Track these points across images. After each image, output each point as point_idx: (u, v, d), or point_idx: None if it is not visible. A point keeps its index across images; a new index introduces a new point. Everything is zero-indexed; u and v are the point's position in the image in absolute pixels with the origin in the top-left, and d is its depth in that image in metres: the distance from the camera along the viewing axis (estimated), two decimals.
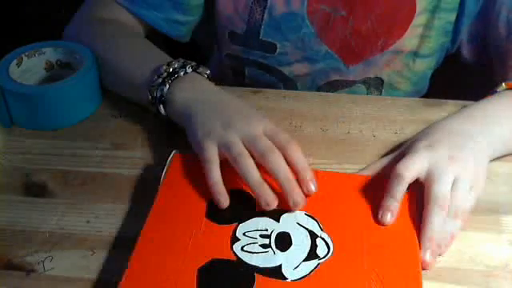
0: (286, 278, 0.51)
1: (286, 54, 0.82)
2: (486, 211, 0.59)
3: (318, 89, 0.86)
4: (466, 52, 0.82)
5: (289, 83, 0.86)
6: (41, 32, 0.86)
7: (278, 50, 0.81)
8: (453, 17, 0.78)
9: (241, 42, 0.83)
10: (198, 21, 0.84)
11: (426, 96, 0.90)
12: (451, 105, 0.75)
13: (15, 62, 0.72)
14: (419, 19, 0.78)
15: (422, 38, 0.80)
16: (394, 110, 0.75)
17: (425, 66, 0.84)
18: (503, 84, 0.67)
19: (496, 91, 0.68)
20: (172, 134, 0.70)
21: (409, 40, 0.80)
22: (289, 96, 0.78)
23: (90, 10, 0.81)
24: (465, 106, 0.68)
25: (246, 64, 0.86)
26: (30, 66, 0.74)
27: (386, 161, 0.63)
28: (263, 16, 0.79)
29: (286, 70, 0.84)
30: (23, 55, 0.74)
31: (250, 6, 0.79)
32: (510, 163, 0.66)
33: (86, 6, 0.81)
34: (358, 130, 0.72)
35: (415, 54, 0.81)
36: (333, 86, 0.85)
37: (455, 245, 0.56)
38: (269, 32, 0.80)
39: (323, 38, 0.80)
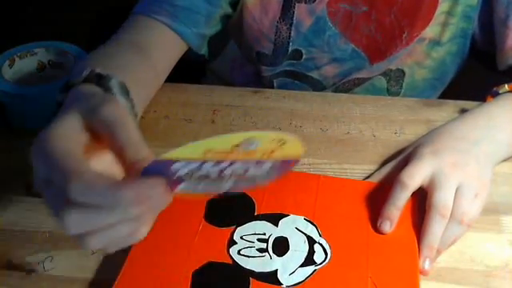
0: (281, 284, 0.50)
1: (313, 58, 0.81)
2: (485, 211, 0.59)
3: (342, 88, 0.84)
4: (478, 39, 0.80)
5: (318, 86, 0.84)
6: (41, 32, 0.85)
7: (303, 56, 0.81)
8: (473, 0, 0.76)
9: (269, 62, 0.82)
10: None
11: (449, 87, 0.88)
12: (451, 105, 0.75)
13: (7, 62, 0.72)
14: (442, 7, 0.76)
15: (443, 26, 0.78)
16: (394, 110, 0.75)
17: (444, 51, 0.81)
18: (506, 86, 0.66)
19: (498, 92, 0.67)
20: (172, 134, 0.70)
21: (431, 28, 0.78)
22: (289, 96, 0.78)
23: (124, 31, 0.71)
24: (465, 110, 0.67)
25: (274, 77, 0.85)
26: (22, 67, 0.74)
27: (389, 168, 0.63)
28: (290, 33, 0.78)
29: (314, 74, 0.83)
30: (15, 56, 0.74)
31: (276, 25, 0.78)
32: (510, 163, 0.66)
33: (122, 29, 0.71)
34: (358, 130, 0.72)
35: (437, 43, 0.79)
36: (355, 84, 0.84)
37: (455, 245, 0.56)
38: (295, 45, 0.79)
39: (348, 37, 0.79)
